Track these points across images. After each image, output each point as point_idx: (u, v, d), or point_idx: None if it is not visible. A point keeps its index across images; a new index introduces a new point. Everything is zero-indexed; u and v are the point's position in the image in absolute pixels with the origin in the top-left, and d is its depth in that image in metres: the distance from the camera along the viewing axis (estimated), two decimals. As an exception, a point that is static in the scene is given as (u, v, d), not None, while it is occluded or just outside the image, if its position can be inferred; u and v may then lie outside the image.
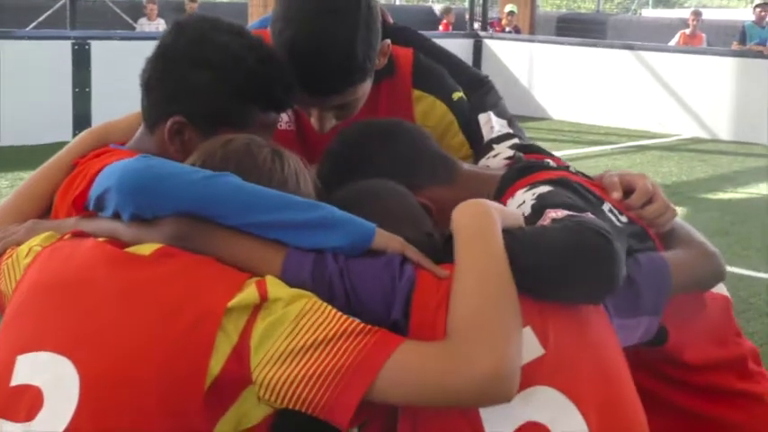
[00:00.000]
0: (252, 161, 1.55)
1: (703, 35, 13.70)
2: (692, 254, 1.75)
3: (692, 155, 10.51)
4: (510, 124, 2.07)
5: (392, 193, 1.68)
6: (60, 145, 1.85)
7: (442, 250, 1.51)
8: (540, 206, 1.57)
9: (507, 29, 14.43)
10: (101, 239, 1.50)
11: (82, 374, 1.36)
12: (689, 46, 13.23)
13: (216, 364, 1.33)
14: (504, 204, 1.67)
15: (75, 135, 6.80)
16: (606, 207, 1.69)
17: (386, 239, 1.48)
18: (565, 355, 1.47)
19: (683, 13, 18.24)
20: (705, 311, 1.79)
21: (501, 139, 1.99)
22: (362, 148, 1.82)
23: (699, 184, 8.81)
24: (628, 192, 1.77)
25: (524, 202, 1.62)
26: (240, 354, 1.34)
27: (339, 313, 1.37)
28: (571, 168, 1.84)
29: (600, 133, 11.71)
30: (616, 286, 1.47)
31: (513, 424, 1.41)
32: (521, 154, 1.89)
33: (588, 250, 1.44)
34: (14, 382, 1.39)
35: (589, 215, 1.53)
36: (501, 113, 2.10)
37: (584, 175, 1.84)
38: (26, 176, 1.83)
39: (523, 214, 1.59)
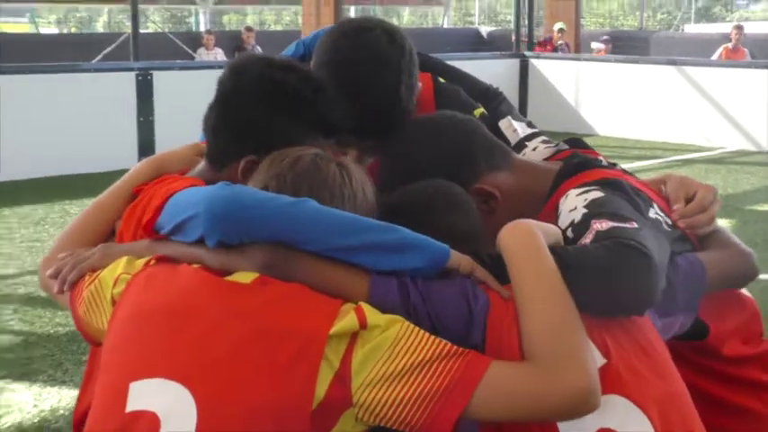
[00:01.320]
0: (322, 179, 1.57)
1: (745, 49, 13.54)
2: (728, 253, 1.80)
3: (737, 167, 10.37)
4: (529, 125, 2.12)
5: (455, 209, 1.68)
6: (125, 172, 1.90)
7: (491, 268, 1.53)
8: (588, 215, 1.60)
9: (560, 42, 14.36)
10: (195, 266, 1.52)
11: (198, 401, 1.38)
12: (731, 60, 13.06)
13: (321, 390, 1.37)
14: (557, 203, 1.71)
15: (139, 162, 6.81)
16: (654, 209, 1.73)
17: (458, 259, 1.51)
18: (623, 362, 1.50)
19: (725, 28, 18.04)
20: (738, 310, 1.86)
21: (530, 137, 2.04)
22: (420, 144, 1.83)
23: (746, 196, 8.70)
24: (688, 199, 1.82)
25: (576, 207, 1.64)
26: (342, 378, 1.37)
27: (431, 336, 1.40)
28: (619, 167, 1.86)
29: (645, 148, 11.61)
30: (655, 300, 1.50)
31: (588, 431, 1.44)
32: (575, 149, 1.90)
33: (628, 270, 1.47)
34: (130, 408, 1.41)
35: (633, 225, 1.55)
36: (518, 118, 2.16)
37: (633, 176, 1.85)
38: (97, 198, 1.87)
39: (573, 221, 1.61)
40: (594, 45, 14.59)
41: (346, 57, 1.89)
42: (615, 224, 1.54)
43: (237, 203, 1.50)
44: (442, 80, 2.27)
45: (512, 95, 12.99)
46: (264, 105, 1.73)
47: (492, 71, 12.59)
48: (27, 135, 9.01)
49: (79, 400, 1.79)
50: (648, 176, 6.58)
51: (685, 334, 1.73)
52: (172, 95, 9.68)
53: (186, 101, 9.83)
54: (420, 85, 2.05)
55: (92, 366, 1.76)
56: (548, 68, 13.34)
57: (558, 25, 14.26)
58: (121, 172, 1.84)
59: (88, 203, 6.52)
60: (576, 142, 1.97)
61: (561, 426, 1.44)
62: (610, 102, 12.67)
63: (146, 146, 9.48)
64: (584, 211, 1.62)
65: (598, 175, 1.74)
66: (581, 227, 1.59)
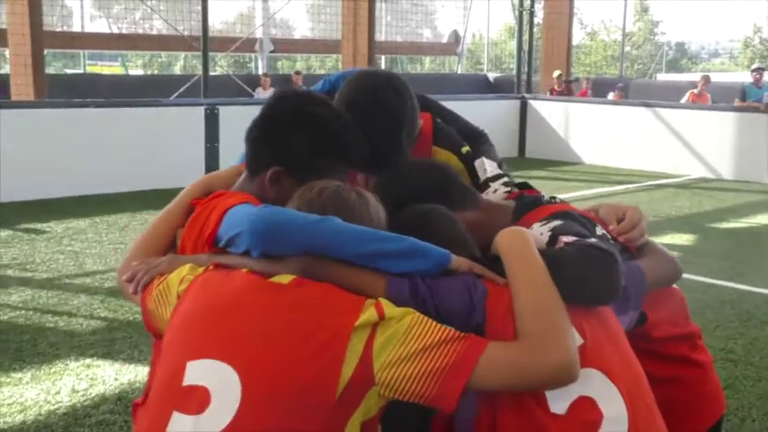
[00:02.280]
0: (344, 204, 1.59)
1: (708, 95, 13.44)
2: (658, 260, 1.88)
3: (700, 191, 10.27)
4: (499, 166, 2.18)
5: (447, 221, 1.73)
6: None
7: (488, 266, 1.57)
8: (555, 235, 1.66)
9: (558, 88, 14.36)
10: (244, 270, 1.53)
11: (242, 378, 1.39)
12: (697, 103, 12.97)
13: (347, 371, 1.38)
14: None
15: (206, 181, 6.73)
16: (599, 228, 1.78)
17: (458, 261, 1.55)
18: (597, 343, 1.53)
19: (691, 77, 17.92)
20: (670, 301, 1.93)
21: (494, 178, 2.10)
22: (411, 183, 1.87)
23: (707, 216, 8.61)
24: (619, 220, 1.91)
25: (542, 233, 1.69)
26: (365, 362, 1.39)
27: (437, 324, 1.43)
28: (557, 200, 1.92)
29: (624, 174, 11.53)
30: (620, 289, 1.54)
31: (569, 398, 1.47)
32: (522, 190, 1.99)
33: (597, 264, 1.52)
34: (186, 382, 1.42)
35: (592, 239, 1.62)
36: (492, 158, 2.22)
37: (573, 206, 1.91)
38: (160, 212, 1.87)
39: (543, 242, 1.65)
40: (610, 94, 14.60)
41: (360, 112, 1.90)
42: (578, 238, 1.61)
43: (274, 221, 1.53)
44: (439, 120, 2.33)
45: (513, 130, 13.00)
46: (297, 131, 1.75)
47: (497, 109, 12.59)
48: (117, 156, 9.10)
49: (147, 381, 1.78)
50: (627, 198, 6.53)
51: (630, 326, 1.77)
52: (234, 126, 9.60)
53: (245, 131, 9.94)
54: (421, 122, 2.12)
55: (156, 356, 1.75)
56: (543, 108, 13.31)
57: (556, 72, 14.20)
58: None
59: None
60: (523, 185, 2.05)
61: (548, 394, 1.46)
62: (594, 136, 12.62)
63: (211, 166, 9.49)
64: (550, 233, 1.67)
65: (551, 210, 1.81)
66: (551, 243, 1.64)
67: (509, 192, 2.01)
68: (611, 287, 1.54)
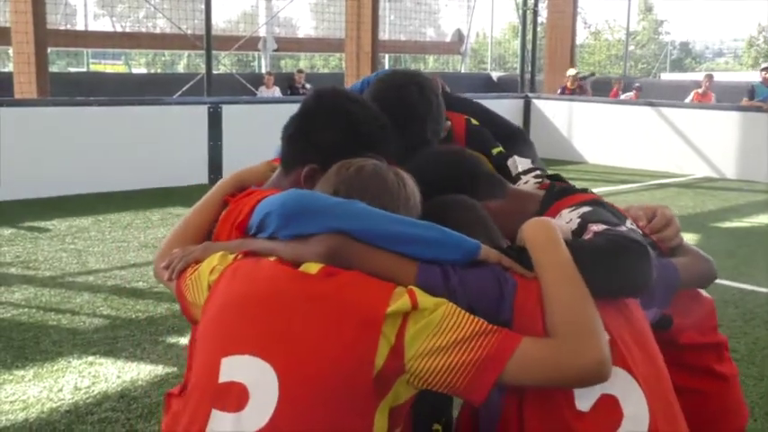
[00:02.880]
0: (384, 185, 1.58)
1: (713, 94, 13.41)
2: (693, 259, 1.83)
3: (704, 191, 10.26)
4: (532, 162, 2.16)
5: (471, 211, 1.70)
6: (199, 186, 1.91)
7: (516, 258, 1.53)
8: (584, 222, 1.61)
9: (572, 87, 14.32)
10: (272, 259, 1.52)
11: (279, 374, 1.39)
12: (701, 102, 12.95)
13: (380, 360, 1.37)
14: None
15: (210, 178, 6.99)
16: (629, 223, 1.73)
17: (487, 252, 1.52)
18: (622, 339, 1.50)
19: (695, 76, 17.86)
20: (697, 307, 1.87)
21: (526, 172, 2.08)
22: (438, 171, 1.85)
23: (710, 215, 8.59)
24: (650, 218, 1.84)
25: (571, 220, 1.65)
26: (396, 351, 1.38)
27: (471, 316, 1.41)
28: (588, 191, 1.88)
29: (628, 174, 11.51)
30: (651, 283, 1.50)
31: (594, 396, 1.45)
32: (553, 181, 1.95)
33: (629, 254, 1.47)
34: (222, 379, 1.42)
35: (623, 227, 1.58)
36: (526, 155, 2.21)
37: (601, 197, 1.86)
38: (173, 211, 1.88)
39: (571, 229, 1.62)
40: (628, 94, 14.57)
41: (385, 109, 1.92)
42: (608, 226, 1.56)
43: (304, 201, 1.53)
44: (474, 121, 2.35)
45: (516, 129, 12.93)
46: (334, 128, 1.75)
47: (501, 109, 12.48)
48: (120, 155, 9.10)
49: (186, 370, 1.79)
50: (631, 198, 6.51)
51: (653, 324, 1.72)
52: (237, 124, 9.75)
53: (248, 129, 9.98)
54: (449, 123, 2.15)
55: (192, 345, 1.76)
56: (546, 107, 13.30)
57: (570, 71, 14.10)
58: (195, 186, 1.89)
59: (168, 211, 6.56)
60: (555, 177, 2.02)
61: (576, 391, 1.45)
62: (598, 135, 12.60)
63: (214, 165, 9.55)
64: (579, 220, 1.63)
65: (582, 198, 1.78)
66: (579, 231, 1.60)
67: (540, 182, 1.98)
68: (641, 280, 1.49)
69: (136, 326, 4.68)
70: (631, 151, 12.10)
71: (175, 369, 4.03)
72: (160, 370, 4.05)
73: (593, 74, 18.28)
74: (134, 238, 6.89)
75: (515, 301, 1.46)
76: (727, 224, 8.23)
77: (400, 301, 1.40)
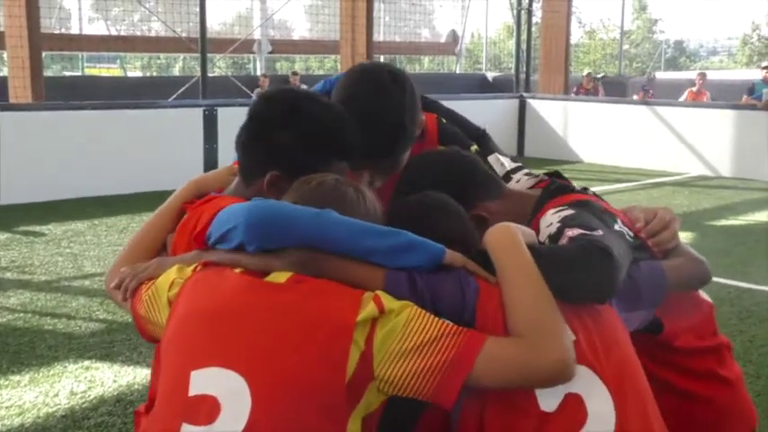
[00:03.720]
0: (342, 201, 1.56)
1: (707, 92, 13.42)
2: (684, 260, 1.79)
3: (699, 189, 10.26)
4: (513, 161, 2.12)
5: (446, 214, 1.68)
6: None
7: (480, 262, 1.53)
8: (562, 226, 1.59)
9: (587, 87, 14.34)
10: (237, 270, 1.48)
11: (251, 384, 1.36)
12: (696, 101, 12.96)
13: (351, 367, 1.36)
14: (537, 221, 1.71)
15: (204, 182, 6.68)
16: (618, 224, 1.70)
17: (451, 257, 1.51)
18: (586, 338, 1.49)
19: (690, 75, 17.88)
20: (694, 311, 1.83)
21: (514, 170, 2.04)
22: (433, 172, 1.83)
23: (706, 214, 8.59)
24: (648, 221, 1.80)
25: (552, 223, 1.64)
26: (366, 357, 1.37)
27: (435, 318, 1.40)
28: (590, 191, 1.85)
29: (623, 173, 11.51)
30: (615, 290, 1.49)
31: (559, 396, 1.43)
32: (552, 179, 1.91)
33: (591, 262, 1.46)
34: (192, 392, 1.39)
35: (599, 232, 1.55)
36: (503, 154, 2.17)
37: (602, 199, 1.83)
38: (150, 216, 1.84)
39: (550, 233, 1.61)
40: (635, 96, 14.61)
41: (358, 92, 1.89)
42: (584, 231, 1.54)
43: (271, 215, 1.48)
44: (444, 121, 2.31)
45: (512, 129, 12.97)
46: (289, 127, 1.68)
47: (496, 109, 12.58)
48: (115, 158, 9.09)
49: (150, 388, 1.76)
50: (626, 197, 6.49)
51: (643, 328, 1.71)
52: (233, 127, 9.52)
53: (235, 136, 9.90)
54: (424, 118, 2.08)
55: (156, 363, 1.74)
56: (541, 107, 13.29)
57: (585, 70, 14.06)
58: None
59: (161, 215, 6.31)
60: (554, 174, 1.96)
61: (538, 391, 1.44)
62: (593, 134, 12.60)
63: (210, 167, 9.34)
64: (558, 224, 1.62)
65: (571, 198, 1.75)
66: (556, 235, 1.59)
67: (537, 180, 1.94)
68: (604, 286, 1.48)
69: (132, 330, 4.64)
70: (627, 150, 12.10)
71: (172, 373, 4.01)
72: (156, 374, 4.03)
73: (605, 75, 18.33)
74: (130, 242, 6.87)
75: (477, 304, 1.46)
76: (723, 222, 8.23)
77: (369, 307, 1.39)
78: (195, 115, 9.79)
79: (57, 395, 3.75)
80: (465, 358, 1.37)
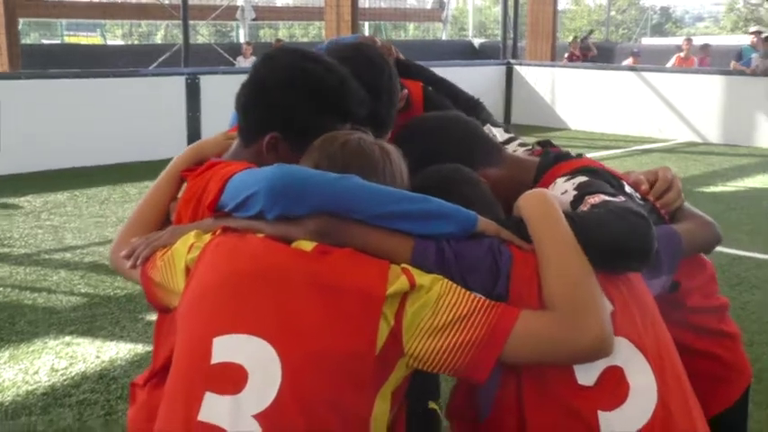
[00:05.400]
0: (369, 161, 1.48)
1: (695, 57, 13.35)
2: (696, 224, 1.77)
3: (687, 156, 10.23)
4: (506, 131, 2.05)
5: (470, 182, 1.60)
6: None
7: (513, 230, 1.45)
8: (581, 194, 1.53)
9: (578, 53, 14.23)
10: (260, 236, 1.42)
11: (281, 354, 1.29)
12: (683, 66, 12.89)
13: (380, 342, 1.30)
14: (546, 187, 1.63)
15: (187, 151, 6.55)
16: (626, 187, 1.66)
17: (484, 224, 1.44)
18: (627, 310, 1.43)
19: (676, 41, 17.80)
20: (700, 270, 1.83)
21: (507, 141, 1.97)
22: (428, 139, 1.75)
23: (694, 180, 8.56)
24: (652, 183, 1.77)
25: (567, 191, 1.58)
26: (395, 333, 1.31)
27: (468, 292, 1.34)
28: (585, 156, 1.79)
29: (611, 140, 11.46)
30: (653, 256, 1.43)
31: (598, 369, 1.38)
32: (546, 147, 1.85)
33: (629, 228, 1.40)
34: (215, 360, 1.31)
35: (621, 198, 1.50)
36: (496, 125, 2.09)
37: (600, 163, 1.77)
38: (151, 185, 1.76)
39: (568, 201, 1.54)
40: (625, 62, 14.47)
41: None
42: (606, 198, 1.48)
43: (293, 180, 1.41)
44: (430, 89, 2.22)
45: (499, 96, 12.87)
46: (291, 89, 1.60)
47: (483, 76, 12.46)
48: (96, 128, 8.93)
49: (153, 360, 1.66)
50: (614, 164, 6.43)
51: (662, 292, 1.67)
52: (215, 95, 9.57)
53: (227, 100, 9.74)
54: (406, 92, 2.00)
55: (159, 333, 1.64)
56: (529, 74, 13.19)
57: (572, 36, 13.93)
58: (173, 158, 1.75)
59: (145, 185, 6.41)
60: (546, 143, 1.91)
61: (575, 366, 1.38)
62: (581, 101, 12.53)
63: (193, 137, 9.38)
64: (575, 192, 1.55)
65: (576, 164, 1.69)
66: (576, 203, 1.52)
67: (531, 150, 1.88)
68: (644, 254, 1.42)
69: (114, 303, 4.57)
70: (614, 117, 12.05)
71: (156, 347, 3.93)
72: (140, 348, 3.95)
73: (591, 31, 18.21)
74: (112, 213, 6.76)
75: (512, 274, 1.39)
76: (712, 189, 8.20)
77: (398, 281, 1.32)
78: (178, 83, 9.64)
79: (37, 372, 3.66)
80: (498, 334, 1.31)
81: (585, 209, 1.48)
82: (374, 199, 1.40)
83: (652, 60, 14.29)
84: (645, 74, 12.10)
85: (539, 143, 1.91)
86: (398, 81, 1.93)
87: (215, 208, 1.50)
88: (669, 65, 13.30)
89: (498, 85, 12.92)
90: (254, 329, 1.31)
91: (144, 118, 9.26)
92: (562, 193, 1.57)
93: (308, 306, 1.32)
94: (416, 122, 1.83)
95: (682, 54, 13.33)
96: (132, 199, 7.20)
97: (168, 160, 1.77)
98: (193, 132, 9.43)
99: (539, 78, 13.04)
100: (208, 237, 1.46)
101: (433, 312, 1.32)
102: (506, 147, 1.94)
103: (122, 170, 8.49)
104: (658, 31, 37.61)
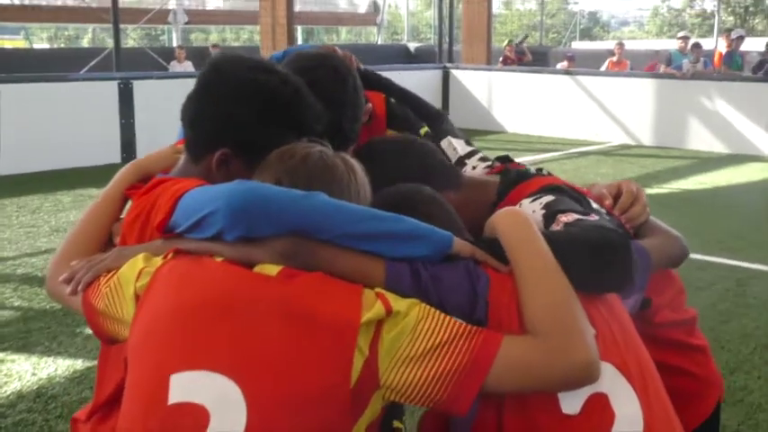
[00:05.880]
0: (332, 176, 1.39)
1: (628, 61, 13.61)
2: (663, 238, 1.71)
3: (622, 158, 10.40)
4: (467, 143, 1.99)
5: (436, 203, 1.53)
6: (111, 166, 1.68)
7: (488, 250, 1.38)
8: (552, 212, 1.47)
9: (512, 56, 14.31)
10: (219, 260, 1.30)
11: (246, 392, 1.18)
12: (616, 70, 13.13)
13: (354, 374, 1.20)
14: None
15: (122, 158, 6.60)
16: (592, 203, 1.62)
17: (460, 245, 1.35)
18: (607, 332, 1.37)
19: (605, 45, 18.13)
20: (668, 285, 1.79)
21: (468, 155, 1.91)
22: (385, 163, 1.66)
23: (629, 182, 8.68)
24: (615, 196, 1.72)
25: (534, 211, 1.51)
26: (370, 364, 1.21)
27: (447, 317, 1.25)
28: (545, 172, 1.74)
29: (548, 143, 11.58)
30: (634, 276, 1.38)
31: (582, 397, 1.32)
32: (506, 164, 1.80)
33: (609, 247, 1.35)
34: (172, 400, 1.20)
35: (594, 216, 1.44)
36: (457, 136, 2.02)
37: (561, 180, 1.72)
38: (85, 193, 1.65)
39: (536, 222, 1.46)
40: (559, 65, 14.57)
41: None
42: (579, 216, 1.42)
43: (256, 198, 1.29)
44: (393, 101, 2.15)
45: (436, 100, 12.88)
46: (242, 102, 1.50)
47: (419, 80, 12.46)
48: (24, 135, 8.62)
49: (96, 393, 1.55)
50: (553, 166, 6.42)
51: (633, 309, 1.62)
52: (149, 100, 9.38)
53: (161, 105, 9.57)
54: (370, 106, 1.93)
55: (103, 364, 1.53)
56: (465, 77, 13.26)
57: (506, 40, 14.00)
58: (107, 166, 1.64)
59: (79, 193, 6.13)
60: (505, 158, 1.87)
61: (560, 393, 1.31)
62: (517, 104, 12.64)
63: (127, 143, 9.19)
64: (543, 211, 1.49)
65: (540, 183, 1.64)
66: (548, 221, 1.46)
67: (490, 166, 1.82)
68: (625, 273, 1.37)
69: (51, 317, 4.38)
70: (550, 120, 12.19)
71: (96, 362, 3.75)
72: (79, 364, 3.79)
73: (526, 36, 18.41)
74: (44, 223, 6.52)
75: (489, 297, 1.31)
76: (648, 191, 8.24)
77: (374, 308, 1.22)
78: (110, 89, 9.37)
79: (-31, 392, 3.47)
80: (481, 363, 1.22)
81: (558, 227, 1.42)
82: (343, 218, 1.30)
83: (584, 64, 14.51)
84: (579, 77, 12.28)
85: (498, 158, 1.86)
86: (363, 93, 1.86)
87: (165, 228, 1.38)
88: (602, 69, 13.53)
89: (435, 89, 12.95)
90: (216, 365, 1.20)
91: (76, 124, 8.99)
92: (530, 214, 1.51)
93: (274, 338, 1.21)
94: (373, 145, 1.76)
95: (614, 58, 13.58)
96: (66, 208, 6.96)
97: (102, 167, 1.68)
98: (127, 138, 9.20)
99: (475, 82, 13.12)
100: (158, 260, 1.34)
101: (411, 339, 1.22)
102: (467, 161, 1.89)
103: (55, 178, 8.21)
104: (587, 35, 38.38)
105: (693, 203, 7.69)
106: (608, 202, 1.70)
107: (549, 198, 1.53)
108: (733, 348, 4.11)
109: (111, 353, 1.49)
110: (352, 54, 2.07)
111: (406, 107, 2.16)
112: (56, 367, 3.75)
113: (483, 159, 1.89)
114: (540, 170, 1.75)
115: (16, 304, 4.62)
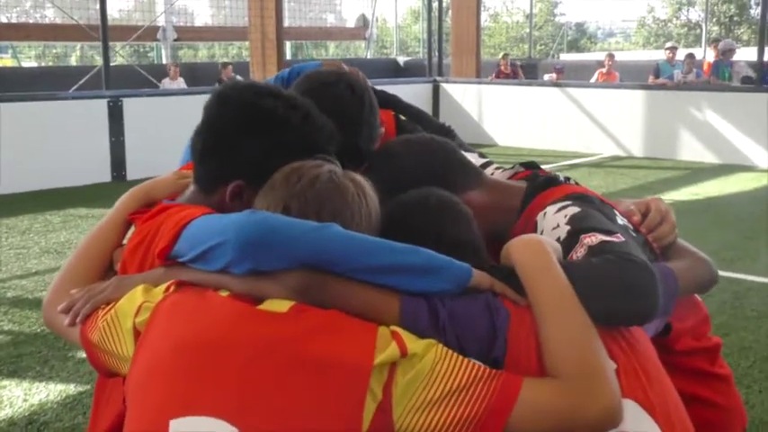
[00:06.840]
0: (343, 199, 1.32)
1: (617, 73, 13.64)
2: (691, 261, 1.63)
3: (614, 170, 10.39)
4: (480, 156, 1.95)
5: (460, 219, 1.44)
6: (101, 186, 1.64)
7: (505, 282, 1.31)
8: (575, 231, 1.40)
9: (506, 71, 14.32)
10: (225, 294, 1.24)
11: None
12: (606, 82, 13.16)
13: (366, 421, 1.13)
14: (530, 216, 1.52)
15: (112, 177, 6.50)
16: (619, 217, 1.55)
17: (479, 278, 1.30)
18: (629, 366, 1.31)
19: (593, 56, 18.17)
20: (693, 312, 1.73)
21: (484, 166, 1.85)
22: (404, 163, 1.62)
23: (621, 194, 8.65)
24: (644, 214, 1.65)
25: (558, 225, 1.45)
26: (384, 408, 1.15)
27: (465, 360, 1.19)
28: (572, 181, 1.67)
29: (539, 155, 11.53)
30: (658, 309, 1.31)
31: None
32: (534, 170, 1.73)
33: (634, 283, 1.28)
34: None
35: (620, 238, 1.37)
36: (469, 150, 1.97)
37: (588, 190, 1.66)
38: (75, 213, 1.60)
39: (559, 238, 1.41)
40: (547, 76, 14.55)
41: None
42: (604, 238, 1.36)
43: (267, 230, 1.23)
44: (402, 118, 2.13)
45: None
46: (252, 132, 1.45)
47: (410, 94, 12.41)
48: (12, 154, 8.53)
49: (90, 427, 1.49)
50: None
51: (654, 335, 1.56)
52: (139, 119, 9.32)
53: (152, 123, 9.55)
54: (383, 130, 1.89)
55: (99, 397, 1.47)
56: (455, 91, 13.26)
57: (502, 53, 14.02)
58: (97, 186, 1.59)
59: (69, 213, 6.04)
60: (531, 164, 1.78)
61: None
62: (508, 117, 12.64)
63: (117, 163, 9.10)
64: (568, 227, 1.43)
65: (567, 191, 1.57)
66: (570, 241, 1.39)
67: (513, 172, 1.75)
68: (649, 307, 1.30)
69: (42, 341, 4.31)
70: (541, 132, 12.19)
71: (88, 387, 3.69)
72: (72, 389, 3.72)
73: (506, 55, 18.45)
74: (34, 244, 6.44)
75: (509, 333, 1.25)
76: (641, 202, 8.31)
77: (388, 349, 1.17)
78: (99, 107, 9.30)
79: (-40, 420, 3.40)
80: (500, 409, 1.16)
81: (582, 251, 1.36)
82: (357, 250, 1.24)
83: (573, 76, 14.53)
84: (569, 89, 12.29)
85: (523, 164, 1.78)
86: (378, 112, 1.80)
87: (167, 256, 1.32)
88: (593, 80, 13.55)
89: (425, 103, 12.92)
90: (218, 410, 1.15)
91: (65, 143, 8.91)
92: (553, 228, 1.45)
93: (281, 382, 1.16)
94: (392, 146, 1.70)
95: (604, 69, 13.60)
96: (56, 228, 6.89)
97: (92, 186, 1.62)
98: (117, 157, 9.12)
99: (465, 95, 13.12)
100: (159, 292, 1.28)
101: (428, 383, 1.17)
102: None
103: (44, 198, 8.13)
104: (574, 46, 38.54)
105: (687, 215, 7.66)
106: (636, 218, 1.64)
107: (575, 210, 1.47)
108: (732, 362, 4.06)
109: (108, 385, 1.45)
110: (358, 71, 2.02)
111: (415, 123, 2.11)
112: (48, 393, 3.68)
113: (499, 168, 1.83)
114: (567, 179, 1.68)
115: (6, 328, 4.55)
